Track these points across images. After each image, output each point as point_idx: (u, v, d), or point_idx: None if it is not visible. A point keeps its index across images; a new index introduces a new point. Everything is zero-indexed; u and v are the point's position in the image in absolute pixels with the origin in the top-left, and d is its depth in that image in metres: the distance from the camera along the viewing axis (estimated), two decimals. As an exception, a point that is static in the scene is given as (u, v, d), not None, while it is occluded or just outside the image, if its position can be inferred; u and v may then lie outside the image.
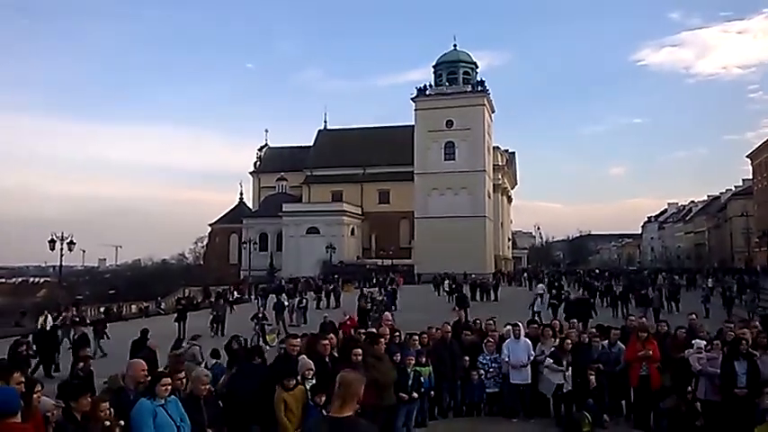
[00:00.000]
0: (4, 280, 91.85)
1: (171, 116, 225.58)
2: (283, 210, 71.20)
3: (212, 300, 33.53)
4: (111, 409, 5.62)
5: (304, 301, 30.12)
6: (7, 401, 3.96)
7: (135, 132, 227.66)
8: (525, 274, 56.92)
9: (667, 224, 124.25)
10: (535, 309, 24.33)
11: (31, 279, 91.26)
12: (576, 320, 12.84)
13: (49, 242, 34.38)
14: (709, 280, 40.43)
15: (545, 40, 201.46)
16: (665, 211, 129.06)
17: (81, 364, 10.29)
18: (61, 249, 34.59)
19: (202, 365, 9.62)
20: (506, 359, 10.25)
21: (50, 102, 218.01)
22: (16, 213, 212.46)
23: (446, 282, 42.69)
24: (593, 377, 9.66)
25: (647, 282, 41.36)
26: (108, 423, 5.45)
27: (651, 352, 9.56)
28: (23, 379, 5.74)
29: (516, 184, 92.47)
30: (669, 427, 9.07)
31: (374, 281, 49.34)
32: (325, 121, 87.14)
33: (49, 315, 23.07)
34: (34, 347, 16.18)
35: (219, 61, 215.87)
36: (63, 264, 38.45)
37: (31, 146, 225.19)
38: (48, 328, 20.37)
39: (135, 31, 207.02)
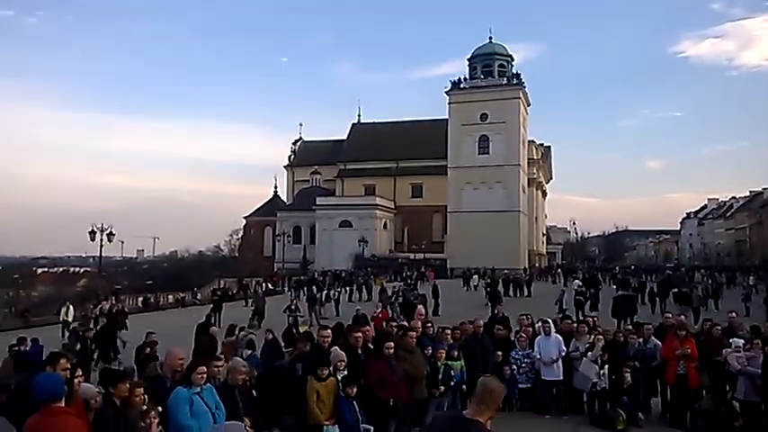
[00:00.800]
0: (46, 269, 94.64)
1: (208, 111, 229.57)
2: (317, 203, 71.60)
3: (253, 291, 33.96)
4: (146, 396, 5.73)
5: (336, 293, 30.29)
6: (53, 387, 4.12)
7: (174, 126, 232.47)
8: (559, 270, 56.23)
9: (707, 220, 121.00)
10: (564, 306, 23.93)
11: (72, 269, 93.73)
12: (596, 317, 12.59)
13: (90, 233, 35.25)
14: (751, 278, 39.34)
15: (582, 31, 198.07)
16: (705, 206, 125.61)
17: (148, 349, 10.87)
18: (101, 240, 35.43)
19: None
20: (537, 355, 10.17)
21: (91, 96, 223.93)
22: (58, 204, 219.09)
23: (475, 276, 42.27)
24: (628, 375, 9.52)
25: (686, 279, 40.39)
26: (144, 408, 5.57)
27: (689, 350, 9.35)
28: (69, 365, 5.94)
29: (551, 178, 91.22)
30: (706, 427, 8.88)
31: (404, 274, 49.29)
32: (359, 115, 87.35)
33: (70, 306, 23.51)
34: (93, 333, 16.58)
35: (255, 56, 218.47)
36: (102, 254, 39.38)
37: (72, 139, 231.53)
38: (69, 319, 20.74)
39: (171, 28, 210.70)
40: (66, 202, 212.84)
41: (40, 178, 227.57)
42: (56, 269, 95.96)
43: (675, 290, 28.23)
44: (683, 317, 12.58)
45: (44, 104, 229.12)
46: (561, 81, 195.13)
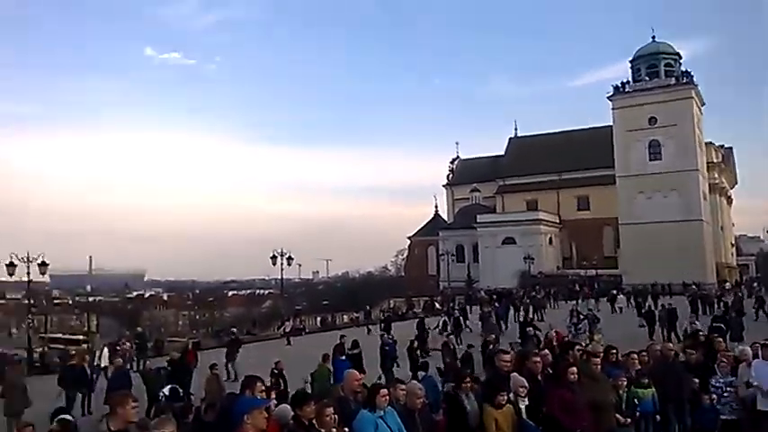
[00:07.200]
0: (236, 292, 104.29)
1: (368, 137, 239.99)
2: (477, 221, 71.26)
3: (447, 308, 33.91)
4: (336, 416, 5.98)
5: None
6: (239, 411, 4.62)
7: (339, 155, 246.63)
8: (756, 284, 50.12)
9: None
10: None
11: (258, 291, 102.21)
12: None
13: (271, 258, 38.25)
14: None
15: (755, 20, 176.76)
16: None
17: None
18: (281, 264, 38.25)
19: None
20: (754, 382, 9.05)
21: (266, 132, 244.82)
22: (244, 232, 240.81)
23: (621, 297, 38.14)
24: None
25: None
26: (334, 430, 5.77)
27: None
28: (264, 388, 6.53)
29: (736, 182, 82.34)
30: None
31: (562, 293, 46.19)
32: (516, 129, 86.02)
33: (105, 348, 21.69)
34: None
35: (407, 79, 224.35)
36: (283, 277, 42.38)
37: (252, 172, 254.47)
38: (103, 365, 19.24)
39: (324, 60, 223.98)
40: (250, 229, 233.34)
41: (226, 207, 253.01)
42: (244, 291, 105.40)
43: None
44: None
45: (231, 141, 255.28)
46: (737, 76, 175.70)
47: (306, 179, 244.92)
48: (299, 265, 69.15)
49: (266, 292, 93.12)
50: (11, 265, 27.35)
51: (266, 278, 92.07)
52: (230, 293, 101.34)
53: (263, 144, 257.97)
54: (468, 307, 38.22)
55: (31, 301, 40.36)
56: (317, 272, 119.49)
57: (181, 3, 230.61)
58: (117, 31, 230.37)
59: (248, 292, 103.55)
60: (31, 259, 27.56)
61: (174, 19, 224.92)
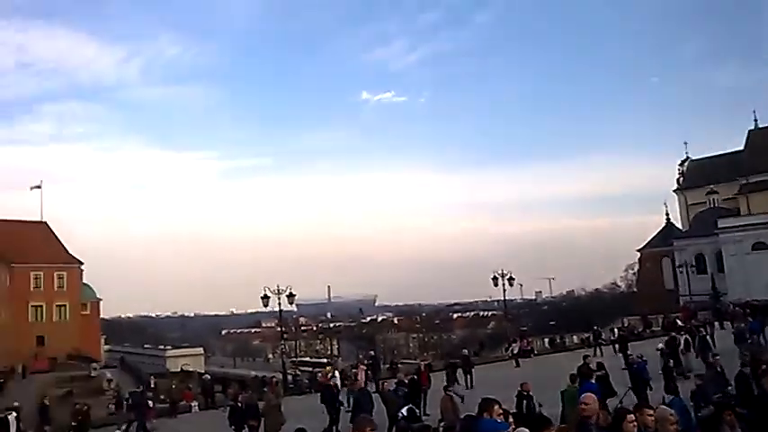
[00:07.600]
0: (460, 314, 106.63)
1: (582, 148, 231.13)
2: (719, 226, 63.55)
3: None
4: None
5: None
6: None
7: (555, 169, 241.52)
8: None
9: None
10: None
11: (481, 313, 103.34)
12: None
13: (492, 279, 38.34)
14: None
15: None
16: None
17: None
18: (503, 285, 38.13)
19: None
20: None
21: (481, 157, 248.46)
22: (464, 255, 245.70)
23: None
24: None
25: None
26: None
27: None
28: (501, 411, 6.60)
29: None
30: None
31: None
32: (756, 120, 75.24)
33: (337, 372, 23.31)
34: None
35: (621, 83, 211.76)
36: (506, 298, 42.15)
37: (472, 195, 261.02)
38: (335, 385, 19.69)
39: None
40: (470, 251, 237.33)
41: (447, 232, 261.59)
42: (467, 314, 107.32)
43: None
44: None
45: (449, 168, 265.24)
46: None
47: (523, 197, 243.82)
48: (521, 286, 67.93)
49: (489, 313, 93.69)
50: (265, 297, 31.57)
51: (488, 299, 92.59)
52: (455, 316, 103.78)
53: (479, 167, 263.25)
54: (714, 322, 34.18)
55: (283, 329, 45.60)
56: (540, 291, 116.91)
57: (389, 44, 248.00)
58: (338, 82, 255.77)
59: (472, 313, 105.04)
60: (280, 291, 31.38)
61: (384, 60, 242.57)
